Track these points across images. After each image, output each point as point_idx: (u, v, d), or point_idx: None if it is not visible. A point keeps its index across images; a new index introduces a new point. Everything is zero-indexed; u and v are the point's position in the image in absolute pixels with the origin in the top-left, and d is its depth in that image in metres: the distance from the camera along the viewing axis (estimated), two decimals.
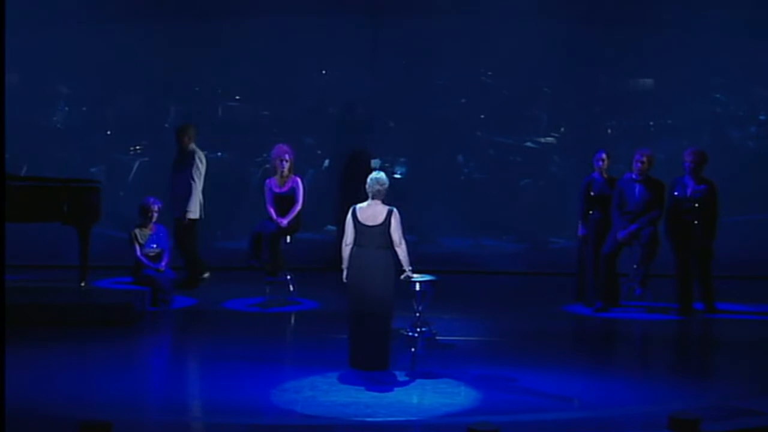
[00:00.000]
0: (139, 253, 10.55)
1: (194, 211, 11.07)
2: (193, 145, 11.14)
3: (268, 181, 10.83)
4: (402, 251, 7.87)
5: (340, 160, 12.89)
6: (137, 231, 10.63)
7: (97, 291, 10.32)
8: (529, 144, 13.30)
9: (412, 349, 8.13)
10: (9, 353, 8.05)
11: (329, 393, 7.29)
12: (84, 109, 11.82)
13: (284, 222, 10.62)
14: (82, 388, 7.25)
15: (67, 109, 13.17)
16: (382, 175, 7.99)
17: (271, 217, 10.66)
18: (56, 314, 9.45)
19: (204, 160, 11.14)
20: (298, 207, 10.68)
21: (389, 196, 8.02)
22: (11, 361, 7.87)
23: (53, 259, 11.77)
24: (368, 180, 7.95)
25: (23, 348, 8.41)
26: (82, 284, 10.15)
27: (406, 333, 8.28)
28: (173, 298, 10.41)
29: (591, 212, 10.56)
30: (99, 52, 12.61)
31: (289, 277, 10.69)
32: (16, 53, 12.65)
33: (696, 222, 10.11)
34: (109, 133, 11.57)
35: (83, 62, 12.68)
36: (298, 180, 10.76)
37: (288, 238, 10.70)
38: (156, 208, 10.70)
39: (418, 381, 7.70)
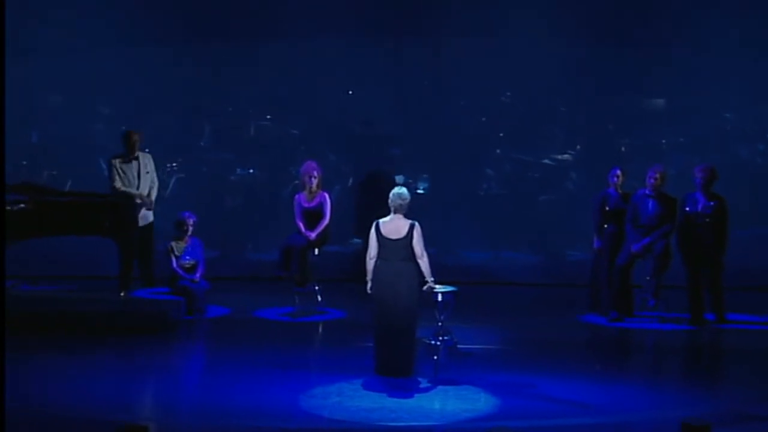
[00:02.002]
0: (175, 264, 10.59)
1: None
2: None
3: (297, 196, 10.85)
4: (424, 263, 7.86)
5: (364, 176, 12.88)
6: (173, 244, 10.67)
7: (135, 300, 10.36)
8: (546, 161, 13.26)
9: (435, 357, 8.11)
10: (51, 359, 8.11)
11: (355, 398, 7.28)
12: (123, 128, 11.88)
13: (312, 235, 10.63)
14: (120, 393, 7.27)
15: (106, 128, 13.23)
16: (404, 190, 7.99)
17: (300, 231, 10.67)
18: (97, 322, 9.50)
19: None
20: (326, 221, 10.69)
21: (412, 210, 8.02)
22: (52, 365, 7.93)
23: (94, 270, 11.83)
24: (390, 195, 7.95)
25: (64, 354, 8.46)
26: (122, 294, 10.20)
27: (428, 341, 8.26)
28: (207, 307, 10.44)
29: (606, 226, 10.53)
30: (136, 74, 12.68)
31: (317, 287, 10.69)
32: (59, 75, 12.83)
33: (707, 236, 10.06)
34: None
35: (122, 84, 12.76)
36: (326, 195, 10.77)
37: (316, 251, 10.71)
38: (191, 222, 10.73)
39: (440, 387, 7.69)
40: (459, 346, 8.54)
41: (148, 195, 11.06)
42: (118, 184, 10.92)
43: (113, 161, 11.05)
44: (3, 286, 4.30)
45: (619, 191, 10.54)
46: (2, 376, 4.25)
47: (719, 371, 8.88)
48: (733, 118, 12.94)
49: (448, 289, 8.28)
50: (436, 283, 8.03)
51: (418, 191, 12.96)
